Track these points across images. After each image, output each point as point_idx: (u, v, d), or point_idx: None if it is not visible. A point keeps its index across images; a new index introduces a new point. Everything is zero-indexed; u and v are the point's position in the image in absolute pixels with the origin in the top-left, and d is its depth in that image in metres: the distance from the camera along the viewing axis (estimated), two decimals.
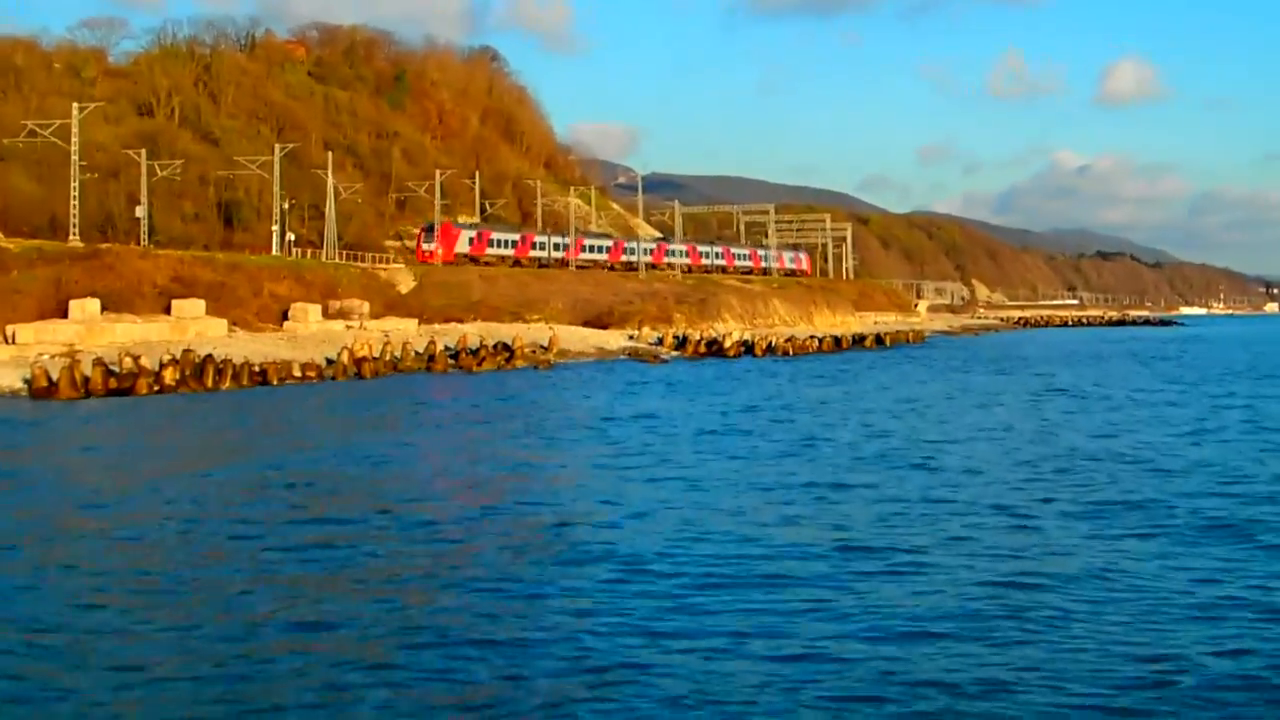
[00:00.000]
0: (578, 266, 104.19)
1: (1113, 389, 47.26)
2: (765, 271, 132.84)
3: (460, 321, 72.49)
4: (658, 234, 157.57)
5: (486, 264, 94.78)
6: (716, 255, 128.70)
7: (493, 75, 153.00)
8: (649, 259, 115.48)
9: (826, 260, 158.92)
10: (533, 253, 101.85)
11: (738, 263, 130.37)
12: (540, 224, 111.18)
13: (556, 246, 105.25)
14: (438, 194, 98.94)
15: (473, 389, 46.19)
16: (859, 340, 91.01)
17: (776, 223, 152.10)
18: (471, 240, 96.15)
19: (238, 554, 15.99)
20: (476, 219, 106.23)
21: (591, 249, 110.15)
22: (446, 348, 60.39)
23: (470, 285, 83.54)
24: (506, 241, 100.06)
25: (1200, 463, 24.85)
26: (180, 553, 16.14)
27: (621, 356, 68.20)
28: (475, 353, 59.82)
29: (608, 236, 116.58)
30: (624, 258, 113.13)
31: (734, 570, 14.94)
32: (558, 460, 24.91)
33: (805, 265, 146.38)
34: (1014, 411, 36.08)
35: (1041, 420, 32.64)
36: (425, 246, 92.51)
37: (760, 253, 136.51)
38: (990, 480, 22.55)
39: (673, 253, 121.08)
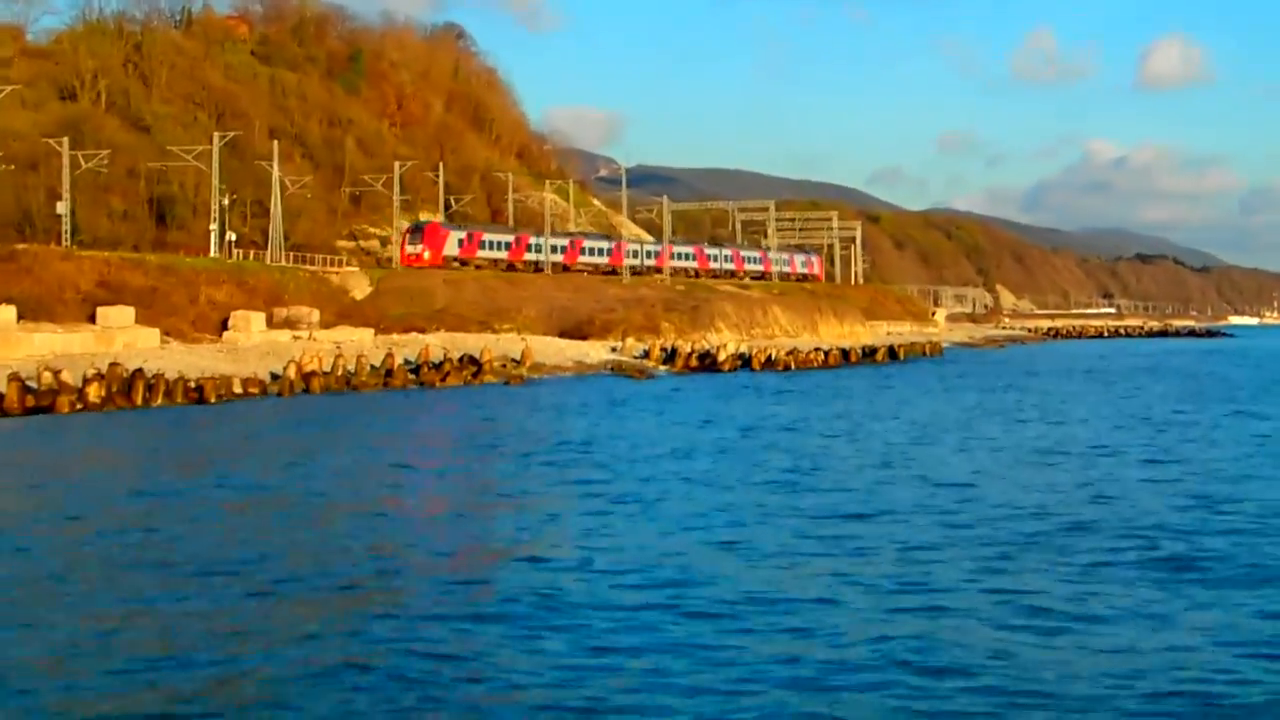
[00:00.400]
0: (572, 270, 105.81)
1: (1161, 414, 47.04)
2: (779, 277, 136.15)
3: (422, 331, 72.46)
4: (644, 233, 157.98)
5: (478, 267, 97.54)
6: (726, 259, 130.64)
7: (459, 55, 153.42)
8: (653, 262, 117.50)
9: (833, 263, 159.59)
10: (528, 255, 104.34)
11: (748, 266, 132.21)
12: (512, 221, 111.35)
13: (555, 249, 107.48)
14: (396, 188, 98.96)
15: (434, 407, 46.23)
16: (869, 353, 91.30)
17: (777, 221, 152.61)
18: (461, 242, 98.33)
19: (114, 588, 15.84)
20: (440, 216, 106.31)
21: (591, 251, 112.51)
22: (406, 361, 60.33)
23: (433, 291, 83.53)
24: (500, 243, 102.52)
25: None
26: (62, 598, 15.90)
27: (603, 371, 68.25)
28: (438, 367, 59.76)
29: (607, 238, 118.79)
30: (626, 261, 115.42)
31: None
32: (520, 501, 23.65)
33: (817, 269, 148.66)
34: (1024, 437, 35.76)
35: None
36: (410, 249, 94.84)
37: (770, 256, 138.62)
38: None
39: (679, 255, 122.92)
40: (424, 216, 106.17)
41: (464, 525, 21.45)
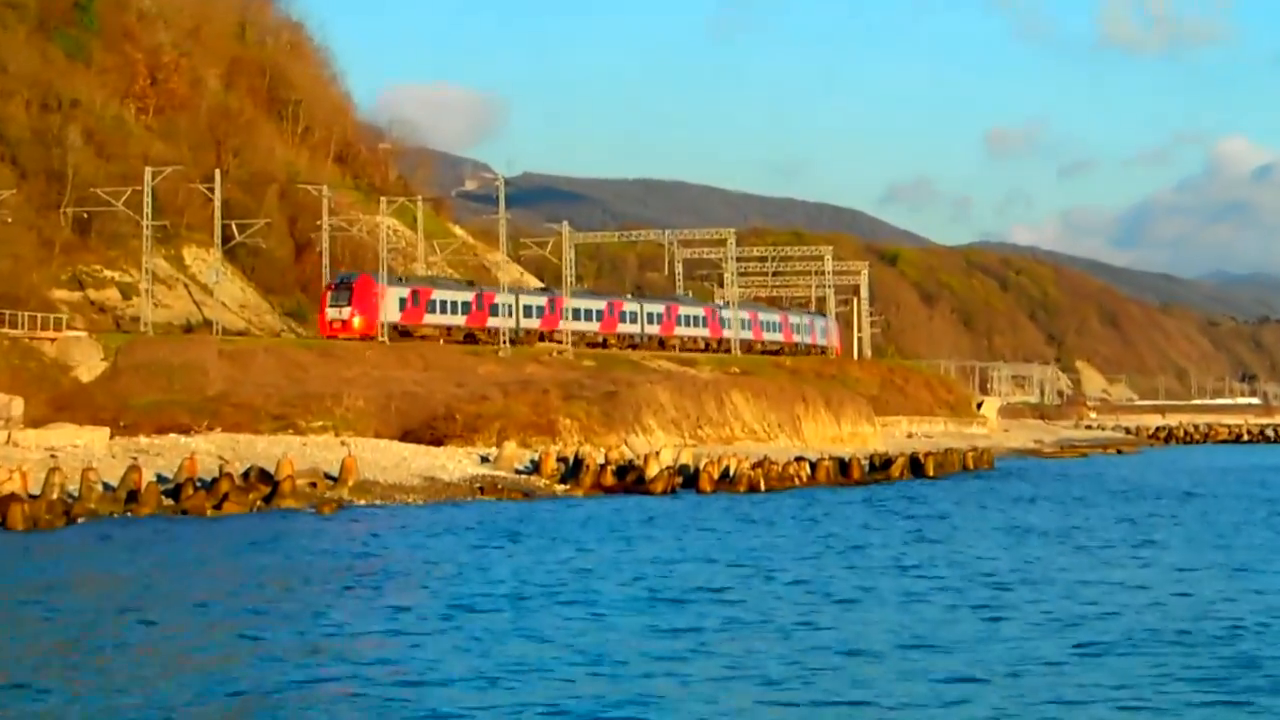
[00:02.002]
0: (421, 337, 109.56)
1: None
2: (798, 349, 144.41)
3: (186, 432, 72.44)
4: (533, 278, 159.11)
5: (423, 337, 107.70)
6: (774, 327, 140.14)
7: (248, 4, 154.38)
8: (538, 324, 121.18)
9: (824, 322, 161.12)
10: (491, 320, 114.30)
11: (684, 330, 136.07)
12: (328, 257, 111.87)
13: (529, 311, 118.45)
14: (147, 208, 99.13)
15: (189, 559, 45.87)
16: (881, 465, 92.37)
17: (740, 260, 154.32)
18: (404, 302, 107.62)
19: None
20: (218, 254, 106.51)
21: (580, 315, 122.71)
22: (160, 478, 60.27)
23: (204, 368, 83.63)
24: (455, 305, 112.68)
25: None
26: None
27: (468, 497, 68.41)
28: (211, 487, 59.82)
29: (470, 285, 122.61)
30: (623, 327, 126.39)
31: None
32: None
33: (834, 340, 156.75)
34: None
35: None
36: (333, 314, 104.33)
37: (725, 316, 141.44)
38: None
39: (586, 314, 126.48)
40: (192, 252, 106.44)
41: None
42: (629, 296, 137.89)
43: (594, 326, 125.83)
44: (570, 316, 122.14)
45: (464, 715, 24.22)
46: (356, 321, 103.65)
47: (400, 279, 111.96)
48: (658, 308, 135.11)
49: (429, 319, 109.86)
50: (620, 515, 61.21)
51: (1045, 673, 27.81)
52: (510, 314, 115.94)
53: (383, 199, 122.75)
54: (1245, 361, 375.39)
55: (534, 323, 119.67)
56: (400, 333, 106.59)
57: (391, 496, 65.49)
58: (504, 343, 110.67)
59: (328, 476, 65.19)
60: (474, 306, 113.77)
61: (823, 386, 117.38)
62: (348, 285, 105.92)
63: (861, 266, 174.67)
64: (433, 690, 26.12)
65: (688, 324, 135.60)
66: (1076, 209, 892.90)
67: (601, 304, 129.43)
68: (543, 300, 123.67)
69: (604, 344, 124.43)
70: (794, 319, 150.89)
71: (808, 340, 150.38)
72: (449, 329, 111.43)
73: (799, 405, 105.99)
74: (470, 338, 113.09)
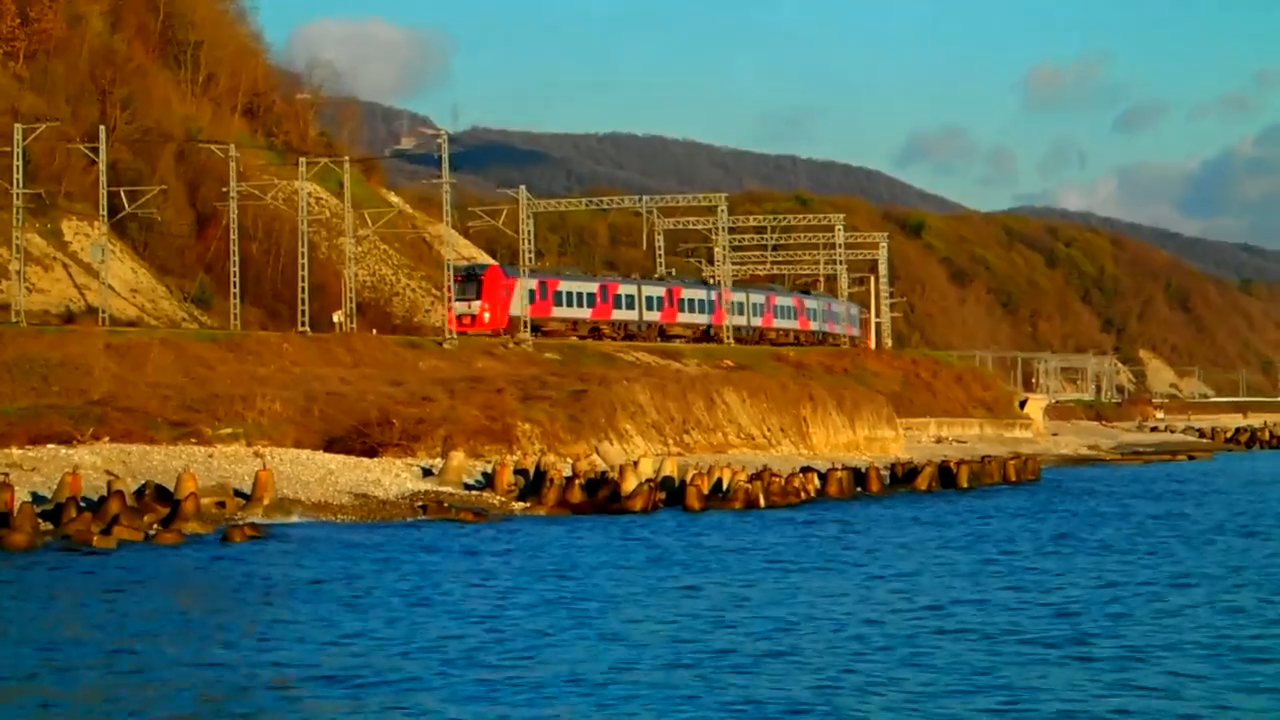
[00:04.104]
0: (668, 335, 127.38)
1: None
2: (822, 339, 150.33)
3: (68, 442, 72.32)
4: (483, 254, 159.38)
5: (549, 333, 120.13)
6: (653, 303, 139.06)
7: None
8: (692, 316, 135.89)
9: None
10: (615, 313, 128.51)
11: (686, 317, 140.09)
12: (235, 230, 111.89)
13: (650, 303, 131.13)
14: (18, 172, 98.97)
15: (47, 614, 45.72)
16: (905, 476, 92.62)
17: (733, 232, 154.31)
18: (533, 295, 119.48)
19: None
20: (103, 228, 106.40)
21: (691, 306, 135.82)
22: (36, 498, 60.24)
23: (88, 365, 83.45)
24: (580, 297, 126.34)
25: None
26: None
27: (409, 517, 68.48)
28: (98, 509, 59.80)
29: (705, 285, 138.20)
30: (731, 320, 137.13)
31: None
32: None
33: (852, 329, 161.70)
34: None
35: None
36: (461, 309, 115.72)
37: (732, 298, 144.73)
38: None
39: (562, 297, 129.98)
40: (72, 225, 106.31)
41: None
42: (602, 274, 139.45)
43: (576, 312, 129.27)
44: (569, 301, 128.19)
45: None
46: (486, 316, 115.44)
47: (525, 271, 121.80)
48: (656, 292, 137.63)
49: (556, 312, 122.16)
50: (602, 547, 61.24)
51: None
52: (633, 306, 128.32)
53: (302, 160, 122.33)
54: None
55: (654, 315, 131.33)
56: (534, 329, 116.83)
57: (316, 515, 65.63)
58: (449, 332, 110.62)
59: (238, 494, 65.26)
60: (599, 298, 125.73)
61: (833, 383, 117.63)
62: (475, 277, 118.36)
63: (879, 238, 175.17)
64: None
65: (690, 309, 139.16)
66: (1138, 166, 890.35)
67: (595, 286, 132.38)
68: (661, 291, 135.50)
69: (591, 331, 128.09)
70: (810, 304, 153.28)
71: (828, 329, 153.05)
72: (575, 322, 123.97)
73: (805, 406, 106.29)
74: (595, 331, 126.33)
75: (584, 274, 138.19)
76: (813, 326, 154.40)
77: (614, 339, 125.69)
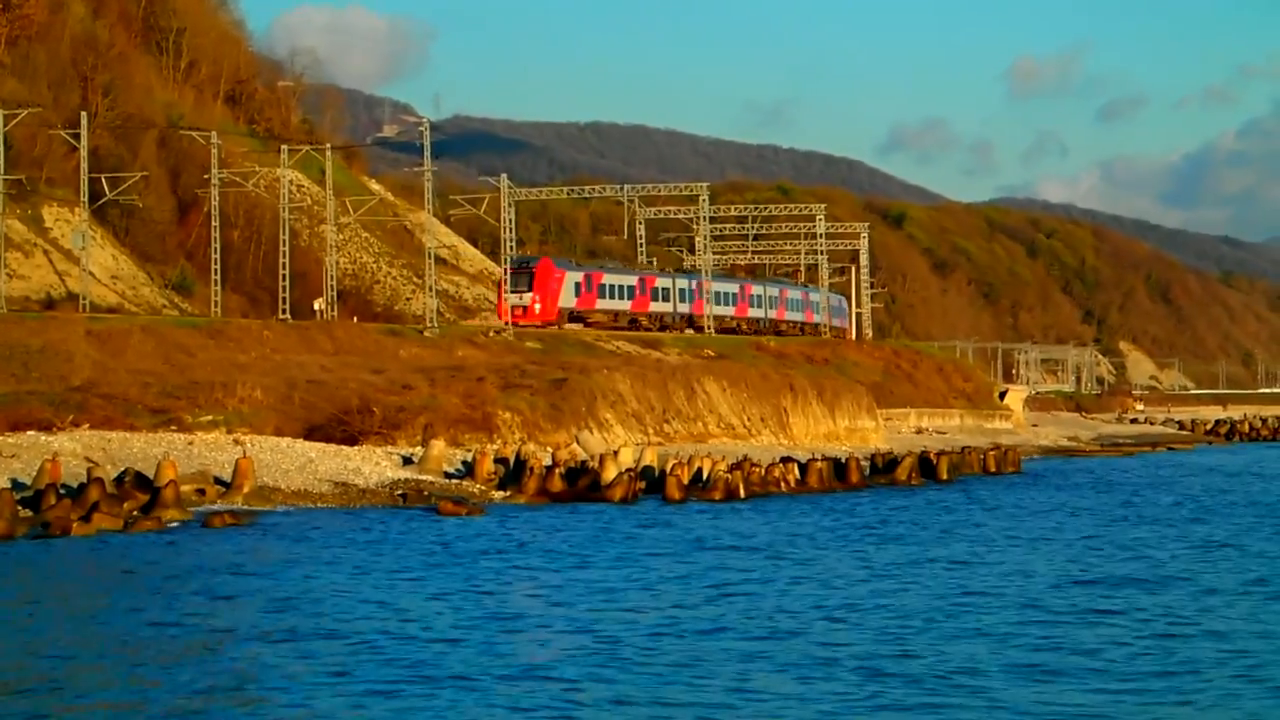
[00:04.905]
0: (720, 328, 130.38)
1: None
2: (813, 329, 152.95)
3: (47, 428, 72.32)
4: (465, 243, 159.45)
5: (592, 324, 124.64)
6: (626, 291, 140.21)
7: None
8: (720, 308, 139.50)
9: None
10: (653, 305, 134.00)
11: (657, 306, 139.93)
12: (217, 217, 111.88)
13: (683, 295, 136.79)
14: None
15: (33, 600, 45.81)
16: (885, 467, 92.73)
17: (714, 221, 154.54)
18: (579, 287, 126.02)
19: None
20: (84, 214, 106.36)
21: (718, 299, 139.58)
22: (15, 484, 60.26)
23: (68, 351, 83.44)
24: (622, 289, 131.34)
25: None
26: None
27: (388, 502, 68.63)
28: (78, 496, 59.80)
29: (732, 279, 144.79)
30: (790, 315, 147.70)
31: None
32: None
33: (834, 320, 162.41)
34: None
35: None
36: (514, 300, 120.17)
37: (813, 295, 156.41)
38: None
39: (753, 300, 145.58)
40: (53, 211, 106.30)
41: None
42: (581, 262, 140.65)
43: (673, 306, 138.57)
44: (607, 295, 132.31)
45: None
46: (538, 307, 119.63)
47: (572, 263, 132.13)
48: (627, 280, 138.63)
49: (600, 304, 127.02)
50: (580, 533, 61.28)
51: None
52: (668, 298, 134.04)
53: (283, 148, 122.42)
54: None
55: (686, 307, 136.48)
56: (573, 318, 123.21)
57: (295, 503, 65.71)
58: (431, 320, 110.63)
59: (218, 482, 65.28)
60: (638, 291, 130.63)
61: (814, 373, 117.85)
62: (527, 269, 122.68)
63: (860, 228, 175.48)
64: None
65: (718, 302, 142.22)
66: (1120, 159, 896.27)
67: (581, 275, 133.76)
68: (692, 284, 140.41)
69: (573, 318, 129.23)
70: (814, 296, 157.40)
71: (837, 323, 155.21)
72: (616, 314, 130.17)
73: (785, 396, 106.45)
74: (634, 323, 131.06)
75: (623, 267, 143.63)
76: (816, 319, 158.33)
77: (650, 330, 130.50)
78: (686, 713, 28.80)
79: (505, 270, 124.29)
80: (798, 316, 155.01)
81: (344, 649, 34.54)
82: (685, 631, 37.14)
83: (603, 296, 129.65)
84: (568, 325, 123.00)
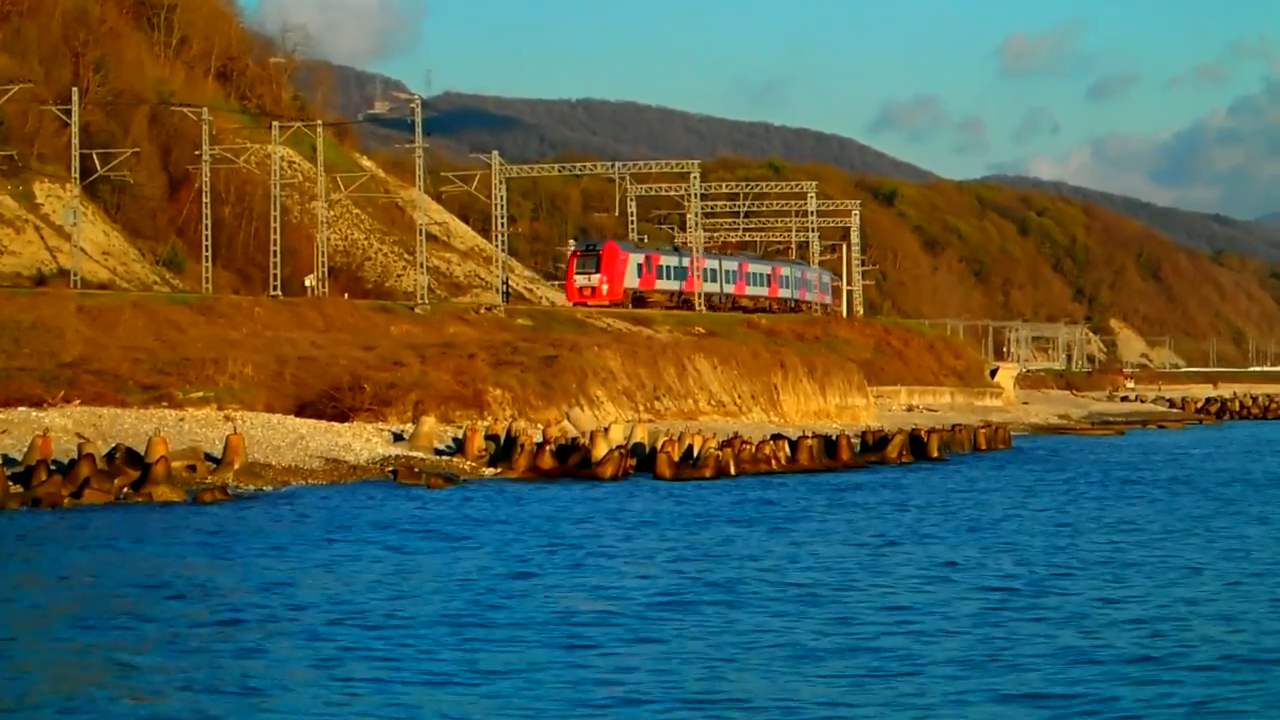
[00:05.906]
0: (755, 309, 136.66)
1: None
2: (795, 306, 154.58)
3: (38, 404, 72.32)
4: (457, 220, 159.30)
5: (651, 305, 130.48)
6: (798, 283, 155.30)
7: None
8: (756, 289, 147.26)
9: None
10: (706, 285, 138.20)
11: (665, 284, 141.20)
12: (208, 193, 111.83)
13: (728, 276, 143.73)
14: None
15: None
16: (875, 445, 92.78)
17: (705, 199, 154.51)
18: (641, 269, 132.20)
19: None
20: (75, 190, 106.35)
21: (754, 280, 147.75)
22: (6, 460, 60.27)
23: (60, 328, 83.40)
24: (675, 270, 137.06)
25: None
26: None
27: (379, 477, 68.69)
28: (69, 471, 59.83)
29: (764, 260, 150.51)
30: (784, 292, 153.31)
31: None
32: None
33: (824, 297, 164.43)
34: None
35: None
36: (582, 281, 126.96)
37: (785, 271, 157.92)
38: None
39: (783, 280, 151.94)
40: (44, 187, 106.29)
41: None
42: (577, 242, 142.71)
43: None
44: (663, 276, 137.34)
45: None
46: (605, 288, 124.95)
47: (634, 245, 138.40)
48: (731, 265, 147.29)
49: (659, 285, 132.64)
50: (570, 507, 61.31)
51: None
52: (715, 279, 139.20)
53: (275, 124, 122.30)
54: None
55: (730, 288, 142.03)
56: (635, 298, 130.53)
57: (286, 480, 65.70)
58: (422, 298, 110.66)
59: (208, 458, 65.26)
60: (690, 272, 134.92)
61: (805, 351, 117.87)
62: (594, 252, 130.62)
63: (852, 205, 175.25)
64: None
65: (755, 283, 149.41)
66: (1111, 137, 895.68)
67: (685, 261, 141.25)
68: (735, 265, 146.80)
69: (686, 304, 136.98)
70: (784, 270, 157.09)
71: (794, 296, 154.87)
72: (670, 295, 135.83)
73: (776, 373, 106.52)
74: (686, 303, 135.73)
75: (671, 249, 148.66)
76: (826, 300, 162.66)
77: (699, 310, 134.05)
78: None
79: (574, 255, 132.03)
80: (792, 294, 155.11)
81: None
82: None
83: (660, 278, 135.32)
84: (631, 306, 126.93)
